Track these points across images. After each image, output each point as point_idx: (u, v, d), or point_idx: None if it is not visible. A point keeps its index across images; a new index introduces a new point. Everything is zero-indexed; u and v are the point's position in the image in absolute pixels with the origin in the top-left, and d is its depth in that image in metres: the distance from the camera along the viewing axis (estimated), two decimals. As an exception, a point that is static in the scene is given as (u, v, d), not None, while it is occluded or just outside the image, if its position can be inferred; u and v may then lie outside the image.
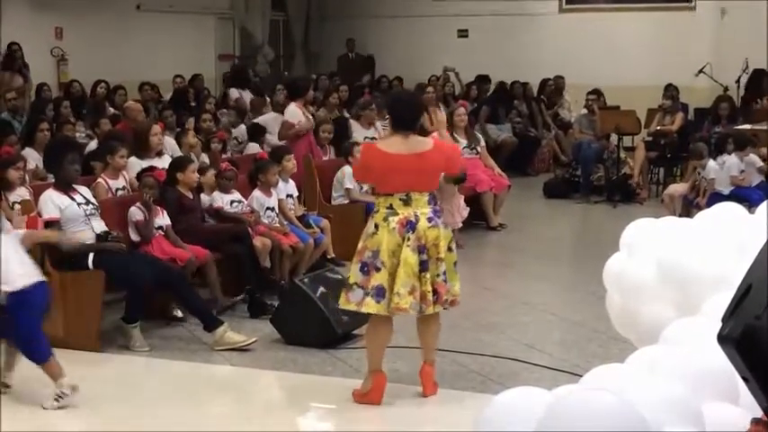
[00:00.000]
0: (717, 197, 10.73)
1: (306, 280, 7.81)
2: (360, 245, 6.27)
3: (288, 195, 9.68)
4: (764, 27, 16.79)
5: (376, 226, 6.17)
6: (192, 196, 8.77)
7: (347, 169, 10.67)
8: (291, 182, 9.83)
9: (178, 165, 8.81)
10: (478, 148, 12.21)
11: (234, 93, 15.48)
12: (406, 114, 6.30)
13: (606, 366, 3.73)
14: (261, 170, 9.42)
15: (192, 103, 14.49)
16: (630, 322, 5.32)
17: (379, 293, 6.13)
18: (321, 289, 7.66)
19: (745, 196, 11.02)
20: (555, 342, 7.66)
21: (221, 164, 9.57)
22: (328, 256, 9.93)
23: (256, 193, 9.32)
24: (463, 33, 20.18)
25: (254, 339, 7.47)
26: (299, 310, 7.54)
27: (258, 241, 8.78)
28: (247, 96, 15.56)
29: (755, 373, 3.04)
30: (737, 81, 15.93)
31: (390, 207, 6.14)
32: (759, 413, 3.15)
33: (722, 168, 11.78)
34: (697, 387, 3.41)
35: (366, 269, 6.16)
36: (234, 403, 6.68)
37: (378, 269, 6.12)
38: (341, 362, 7.18)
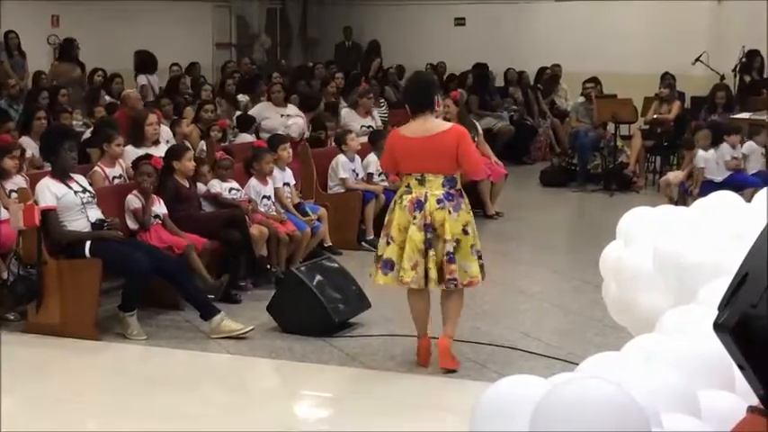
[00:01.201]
0: (710, 185, 10.74)
1: (303, 268, 7.81)
2: (386, 219, 6.67)
3: (285, 184, 9.68)
4: (762, 15, 16.80)
5: (394, 203, 6.60)
6: (188, 185, 8.77)
7: (341, 158, 10.67)
8: (288, 170, 9.83)
9: (175, 153, 8.81)
10: (476, 138, 12.19)
11: (142, 79, 15.15)
12: (418, 97, 6.65)
13: (602, 354, 3.73)
14: (255, 158, 9.43)
15: (189, 92, 14.45)
16: (627, 310, 5.32)
17: (386, 266, 6.51)
18: (318, 277, 7.66)
19: (740, 182, 11.03)
20: (551, 330, 7.67)
21: (217, 152, 9.56)
22: (325, 245, 9.93)
23: (252, 181, 9.32)
24: (460, 21, 20.16)
25: (251, 328, 7.48)
26: (296, 299, 7.55)
27: (255, 229, 8.79)
28: (155, 81, 15.23)
29: (751, 361, 3.04)
30: (734, 69, 15.92)
31: (408, 186, 6.55)
32: (755, 401, 3.15)
33: (714, 157, 11.80)
34: (693, 375, 3.41)
35: (390, 243, 6.55)
36: (231, 391, 6.69)
37: (388, 243, 6.51)
38: (338, 350, 7.19)
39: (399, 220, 6.49)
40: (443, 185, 6.50)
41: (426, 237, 6.41)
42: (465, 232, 6.51)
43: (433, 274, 6.43)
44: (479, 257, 6.61)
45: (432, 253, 6.42)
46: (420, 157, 6.50)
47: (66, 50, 15.47)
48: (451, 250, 6.43)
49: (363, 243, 10.39)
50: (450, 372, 6.64)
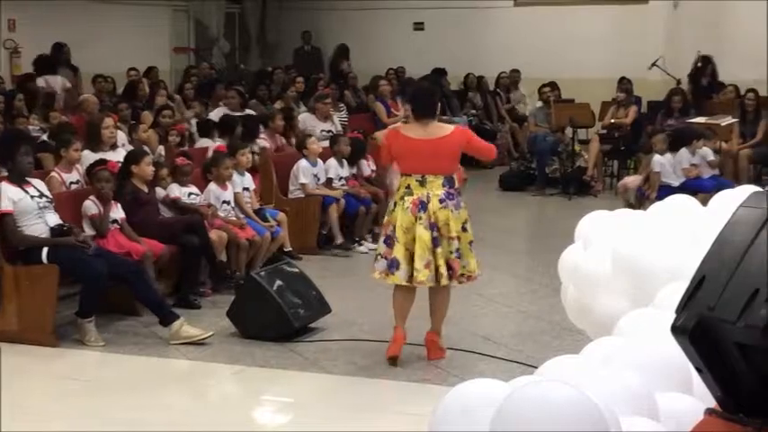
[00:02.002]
0: (667, 189, 10.82)
1: (262, 273, 7.80)
2: (384, 220, 6.94)
3: (244, 188, 9.65)
4: (718, 20, 16.98)
5: (395, 204, 6.83)
6: (147, 189, 8.72)
7: (302, 163, 10.66)
8: (248, 175, 9.80)
9: (133, 157, 8.76)
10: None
11: (40, 81, 14.93)
12: (424, 103, 6.92)
13: (562, 357, 3.75)
14: (214, 163, 9.40)
15: (146, 96, 14.35)
16: (585, 313, 5.36)
17: (393, 265, 6.74)
18: (278, 282, 7.65)
19: (697, 187, 11.12)
20: (511, 334, 7.70)
21: (177, 158, 9.52)
22: (285, 250, 9.91)
23: (212, 186, 9.29)
24: (419, 26, 20.19)
25: (210, 333, 7.45)
26: (256, 304, 7.53)
27: (214, 235, 8.76)
28: (56, 82, 15.04)
29: (709, 364, 3.07)
30: (690, 74, 16.06)
31: (408, 187, 6.78)
32: (713, 403, 3.18)
33: (671, 161, 11.89)
34: (651, 378, 3.44)
35: (389, 242, 6.78)
36: (190, 397, 6.66)
37: (388, 243, 6.77)
38: (298, 355, 7.18)
39: (402, 221, 6.72)
40: (443, 185, 6.77)
41: (433, 235, 6.68)
42: (464, 229, 6.83)
43: (444, 270, 6.70)
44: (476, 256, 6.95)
45: (439, 250, 6.69)
46: (421, 159, 6.77)
47: (56, 55, 15.31)
48: (459, 247, 6.75)
49: (334, 249, 10.44)
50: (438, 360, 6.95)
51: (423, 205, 6.71)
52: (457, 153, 6.92)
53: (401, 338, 6.94)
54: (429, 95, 7.00)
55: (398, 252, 6.73)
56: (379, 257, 6.86)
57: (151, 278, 8.08)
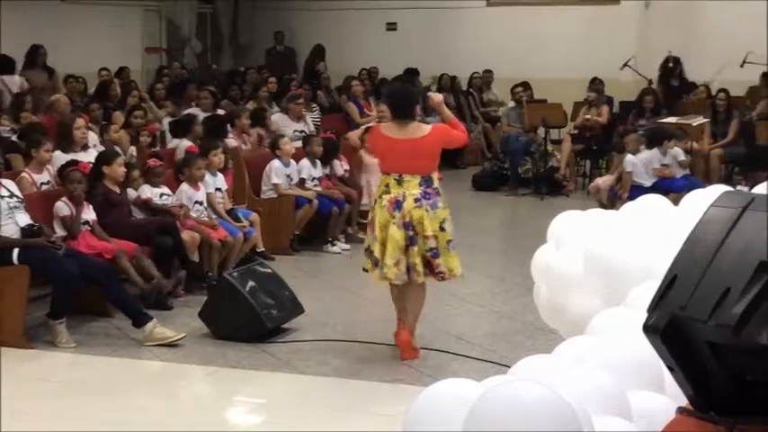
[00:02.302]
0: (638, 190, 10.86)
1: (235, 274, 7.78)
2: (369, 217, 7.10)
3: (217, 189, 9.62)
4: (689, 20, 17.07)
5: (375, 202, 6.97)
6: (118, 191, 8.69)
7: (275, 163, 10.64)
8: (220, 175, 9.77)
9: (105, 158, 8.72)
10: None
11: None
12: (401, 104, 7.04)
13: (535, 357, 3.76)
14: (186, 164, 9.37)
15: (118, 97, 14.28)
16: (558, 313, 5.37)
17: (375, 262, 6.90)
18: (250, 283, 7.63)
19: (668, 187, 11.16)
20: (484, 333, 7.71)
21: (149, 159, 9.48)
22: (258, 250, 9.89)
23: (184, 186, 9.26)
24: (392, 26, 20.19)
25: (183, 334, 7.42)
26: (229, 305, 7.51)
27: (187, 235, 8.73)
28: (13, 82, 14.89)
29: (681, 363, 3.08)
30: (660, 74, 16.14)
31: (387, 186, 6.89)
32: (684, 402, 3.20)
33: (643, 161, 11.94)
34: (623, 377, 3.45)
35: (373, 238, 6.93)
36: (163, 399, 6.63)
37: (375, 240, 6.88)
38: (270, 356, 7.16)
39: (380, 219, 6.86)
40: (420, 185, 6.84)
41: (407, 234, 6.78)
42: (442, 229, 6.88)
43: (420, 267, 6.80)
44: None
45: (415, 249, 6.78)
46: (399, 158, 6.88)
47: (32, 57, 15.21)
48: (434, 246, 6.82)
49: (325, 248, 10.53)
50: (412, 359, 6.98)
51: (398, 204, 6.80)
52: (435, 153, 7.00)
53: (399, 335, 7.12)
54: (405, 96, 7.11)
55: (376, 249, 6.87)
56: (366, 252, 7.03)
57: (132, 274, 8.06)
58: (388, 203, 6.82)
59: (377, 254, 6.87)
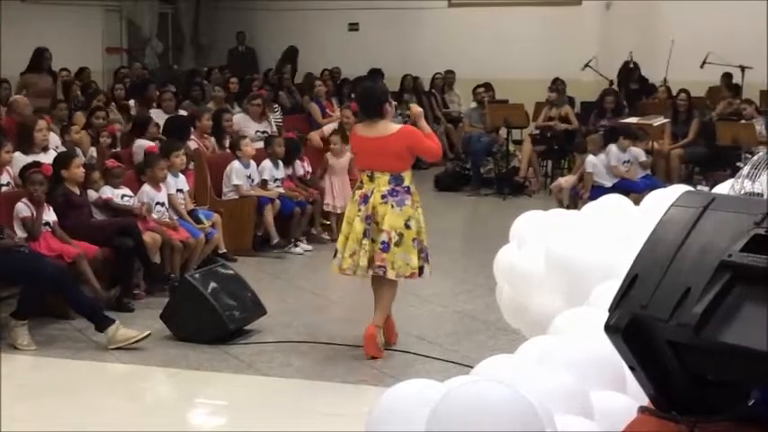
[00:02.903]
0: (599, 190, 10.90)
1: (197, 275, 7.74)
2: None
3: (178, 190, 9.57)
4: (649, 21, 17.18)
5: (351, 198, 7.24)
6: (78, 192, 8.63)
7: (235, 164, 10.60)
8: (182, 176, 9.72)
9: (62, 161, 8.65)
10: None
11: None
12: (367, 103, 7.27)
13: (497, 357, 3.76)
14: (148, 165, 9.33)
15: (78, 97, 14.20)
16: (520, 313, 5.38)
17: (334, 254, 7.18)
18: (212, 284, 7.60)
19: (629, 187, 11.22)
20: (446, 333, 7.71)
21: (108, 160, 9.42)
22: (219, 251, 9.85)
23: (145, 187, 9.21)
24: (354, 27, 20.18)
25: (147, 333, 7.36)
26: (190, 306, 7.47)
27: (148, 237, 8.68)
28: None
29: (642, 362, 3.10)
30: (618, 75, 16.24)
31: (361, 182, 7.14)
32: (646, 401, 3.21)
33: (604, 161, 12.00)
34: (585, 376, 3.46)
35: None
36: (124, 401, 6.59)
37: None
38: (233, 357, 7.14)
39: (349, 213, 7.12)
40: (389, 182, 7.03)
41: (365, 227, 6.97)
42: (407, 226, 7.02)
43: (363, 261, 6.96)
44: (424, 254, 7.15)
45: (365, 242, 6.96)
46: (370, 156, 7.10)
47: (37, 60, 15.14)
48: (386, 240, 6.95)
49: (272, 248, 10.47)
50: (373, 359, 7.00)
51: (365, 199, 7.02)
52: (402, 152, 7.10)
53: (392, 326, 7.39)
54: (371, 95, 7.27)
55: (339, 241, 7.16)
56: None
57: (92, 280, 8.00)
58: (359, 198, 7.08)
59: (339, 245, 7.13)
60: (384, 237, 6.95)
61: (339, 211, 10.77)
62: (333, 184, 11.18)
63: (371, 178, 7.08)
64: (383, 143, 7.06)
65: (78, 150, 9.92)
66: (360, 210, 7.03)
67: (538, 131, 15.27)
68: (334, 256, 7.18)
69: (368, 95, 7.31)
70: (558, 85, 15.85)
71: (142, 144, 10.64)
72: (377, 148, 7.06)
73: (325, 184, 11.25)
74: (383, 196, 7.00)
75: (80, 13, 19.00)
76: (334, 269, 7.18)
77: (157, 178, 9.25)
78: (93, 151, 10.61)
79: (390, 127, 7.17)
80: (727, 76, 15.89)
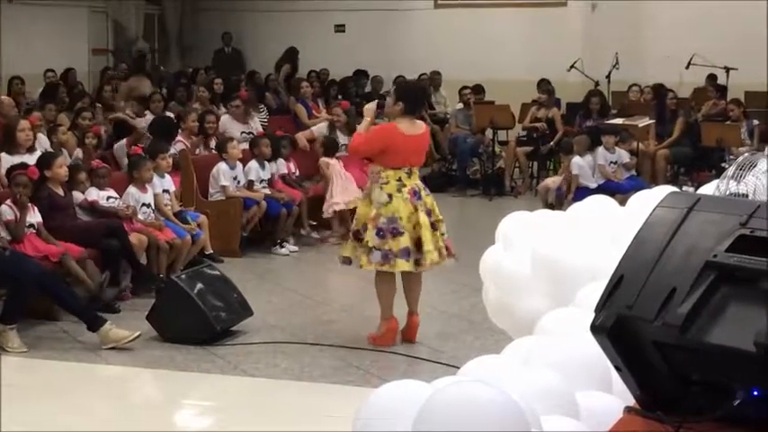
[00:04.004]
0: (584, 191, 10.92)
1: (183, 276, 7.73)
2: (372, 213, 7.13)
3: (164, 190, 9.56)
4: (634, 22, 17.22)
5: (390, 196, 7.11)
6: (63, 193, 8.61)
7: (222, 166, 10.59)
8: (168, 177, 9.71)
9: (45, 161, 8.63)
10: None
11: None
12: (417, 100, 7.50)
13: (483, 357, 3.77)
14: (134, 166, 9.31)
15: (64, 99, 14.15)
16: (506, 313, 5.39)
17: (405, 253, 7.09)
18: (199, 285, 7.59)
19: (614, 188, 11.24)
20: (433, 334, 7.71)
21: (93, 161, 9.41)
22: (206, 252, 9.84)
23: (131, 189, 9.19)
24: (340, 28, 20.16)
25: (138, 333, 7.33)
26: (177, 307, 7.46)
27: (134, 238, 8.67)
28: None
29: (627, 362, 3.11)
30: (608, 76, 16.25)
31: (399, 179, 7.14)
32: (631, 401, 3.22)
33: (590, 162, 12.02)
34: (571, 376, 3.47)
35: (382, 233, 7.07)
36: (111, 402, 6.57)
37: (400, 233, 7.07)
38: (219, 358, 7.13)
39: (404, 212, 7.09)
40: (418, 176, 7.32)
41: (431, 220, 7.19)
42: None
43: (444, 251, 7.30)
44: None
45: (438, 233, 7.24)
46: (412, 153, 7.27)
47: (140, 64, 15.22)
48: (443, 229, 7.32)
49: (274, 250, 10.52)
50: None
51: (417, 194, 7.17)
52: (428, 148, 7.62)
53: (396, 327, 7.43)
54: (422, 92, 7.67)
55: (407, 241, 7.10)
56: (374, 250, 7.08)
57: (82, 276, 7.99)
58: (410, 195, 7.14)
59: (411, 246, 7.09)
60: (443, 226, 7.30)
61: (343, 207, 11.08)
62: (335, 183, 11.25)
63: (410, 174, 7.21)
64: (423, 140, 7.40)
65: (64, 152, 9.90)
66: (417, 206, 7.13)
67: (525, 133, 15.29)
68: (408, 255, 7.09)
69: (417, 91, 7.59)
70: (545, 86, 15.87)
71: (122, 145, 10.64)
72: (419, 145, 7.35)
73: (329, 186, 11.28)
74: (425, 189, 7.30)
75: (66, 13, 18.93)
76: (408, 266, 7.13)
77: (144, 179, 9.23)
78: (78, 152, 10.58)
79: (419, 125, 7.40)
80: (712, 78, 15.94)
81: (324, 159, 11.48)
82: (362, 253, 7.14)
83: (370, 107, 7.53)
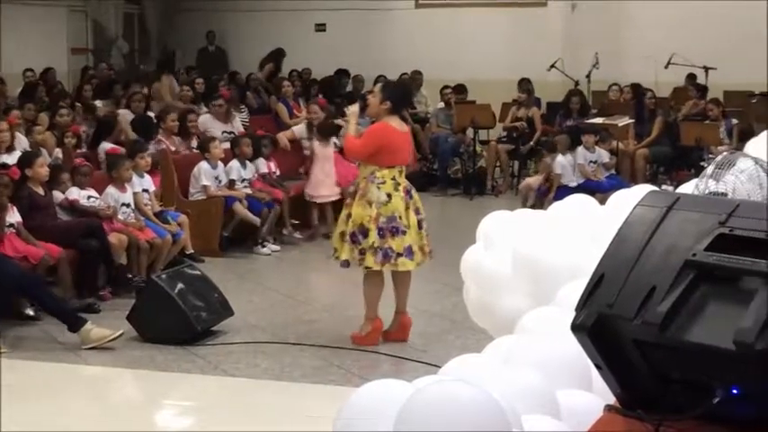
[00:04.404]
0: (565, 190, 10.95)
1: (164, 276, 7.72)
2: (373, 213, 7.09)
3: (144, 190, 9.54)
4: (614, 22, 17.27)
5: (388, 195, 7.11)
6: (43, 192, 8.58)
7: (204, 165, 10.57)
8: (147, 176, 9.69)
9: (26, 160, 8.60)
10: (337, 143, 12.26)
11: None
12: (402, 99, 7.55)
13: (464, 357, 3.77)
14: (113, 166, 9.29)
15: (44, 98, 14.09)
16: (487, 312, 5.39)
17: (410, 252, 7.17)
18: (179, 285, 7.58)
19: (594, 188, 11.28)
20: (414, 334, 7.71)
21: (76, 159, 9.37)
22: (187, 252, 9.82)
23: (110, 189, 9.16)
24: (321, 28, 20.14)
25: (120, 332, 7.31)
26: (157, 307, 7.45)
27: (114, 238, 8.64)
28: None
29: (608, 361, 3.12)
30: (588, 75, 16.30)
31: (394, 178, 7.18)
32: (612, 400, 3.23)
33: (572, 162, 12.05)
34: (552, 375, 3.47)
35: (382, 233, 7.08)
36: (91, 402, 6.57)
37: (403, 232, 7.12)
38: (200, 358, 7.12)
39: (403, 210, 7.15)
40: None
41: (418, 218, 7.26)
42: None
43: (427, 249, 7.35)
44: None
45: (423, 232, 7.31)
46: (405, 151, 7.39)
47: (167, 63, 15.33)
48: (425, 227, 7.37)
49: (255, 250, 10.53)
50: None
51: (409, 193, 7.25)
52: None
53: (381, 327, 7.45)
54: (407, 91, 7.70)
55: (409, 240, 7.16)
56: (378, 250, 7.08)
57: (68, 278, 7.97)
58: (404, 193, 7.19)
59: (413, 244, 7.17)
60: (425, 224, 7.33)
61: (321, 201, 11.24)
62: (316, 174, 11.29)
63: (401, 172, 7.26)
64: (409, 138, 7.52)
65: (44, 151, 9.85)
66: (409, 204, 7.19)
67: (505, 133, 15.31)
68: (412, 252, 7.19)
69: (404, 90, 7.63)
70: (525, 85, 15.90)
71: (105, 147, 10.60)
72: (408, 143, 7.50)
73: (311, 173, 11.37)
74: (412, 187, 7.33)
75: (45, 12, 18.85)
76: (412, 265, 7.23)
77: (123, 178, 9.20)
78: (58, 152, 10.54)
79: (403, 123, 7.46)
80: (691, 77, 16.01)
81: (316, 144, 11.52)
82: (369, 254, 7.12)
83: (353, 109, 7.53)
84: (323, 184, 11.26)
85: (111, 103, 13.75)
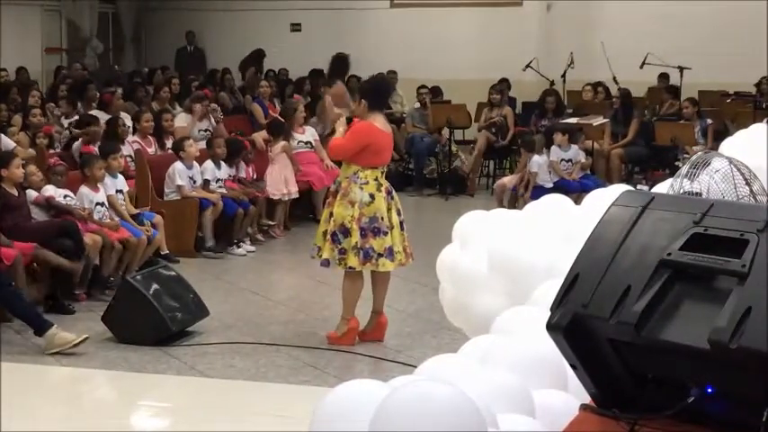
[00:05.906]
0: (540, 190, 10.97)
1: (138, 277, 7.68)
2: (356, 213, 7.06)
3: (117, 191, 9.48)
4: (588, 21, 17.33)
5: (371, 196, 7.08)
6: (17, 193, 8.52)
7: (178, 165, 10.53)
8: (121, 177, 9.63)
9: (2, 161, 8.53)
10: (312, 142, 12.24)
11: None
12: (379, 95, 7.38)
13: (440, 357, 3.77)
14: (85, 164, 9.24)
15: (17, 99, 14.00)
16: (463, 312, 5.40)
17: (390, 253, 7.15)
18: (154, 286, 7.54)
19: (569, 187, 11.30)
20: (390, 334, 7.70)
21: (51, 159, 9.32)
22: (162, 253, 9.78)
23: (83, 189, 9.09)
24: (296, 27, 20.12)
25: (85, 336, 7.27)
26: (132, 308, 7.41)
27: (88, 238, 8.60)
28: None
29: (583, 360, 3.12)
30: (563, 75, 16.34)
31: (377, 179, 7.15)
32: (587, 399, 3.24)
33: (547, 161, 12.07)
34: (527, 375, 3.48)
35: (364, 233, 7.06)
36: (65, 404, 6.53)
37: (384, 233, 7.09)
38: (175, 359, 7.09)
39: (385, 210, 7.13)
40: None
41: (400, 219, 7.26)
42: None
43: (409, 250, 7.36)
44: None
45: (404, 233, 7.31)
46: (388, 151, 7.37)
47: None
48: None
49: (205, 251, 10.33)
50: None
51: (390, 194, 7.23)
52: None
53: (358, 327, 7.41)
54: (383, 86, 7.60)
55: (390, 240, 7.14)
56: (360, 251, 7.06)
57: (23, 282, 7.91)
58: (385, 193, 7.17)
59: (393, 245, 7.15)
60: (405, 225, 7.32)
61: (286, 199, 11.37)
62: (273, 171, 11.35)
63: (384, 173, 7.26)
64: (392, 139, 7.44)
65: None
66: (390, 205, 7.18)
67: (480, 132, 15.33)
68: (389, 252, 7.15)
69: (380, 85, 7.48)
70: (500, 85, 15.91)
71: (79, 146, 10.55)
72: (391, 143, 7.40)
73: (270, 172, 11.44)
74: (392, 188, 7.30)
75: (18, 12, 18.76)
76: (393, 266, 7.21)
77: (96, 178, 9.15)
78: (31, 152, 10.48)
79: (387, 124, 7.42)
80: (664, 77, 16.07)
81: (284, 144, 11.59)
82: (352, 254, 7.08)
83: (341, 120, 7.49)
84: (280, 182, 11.38)
85: (85, 105, 13.66)
